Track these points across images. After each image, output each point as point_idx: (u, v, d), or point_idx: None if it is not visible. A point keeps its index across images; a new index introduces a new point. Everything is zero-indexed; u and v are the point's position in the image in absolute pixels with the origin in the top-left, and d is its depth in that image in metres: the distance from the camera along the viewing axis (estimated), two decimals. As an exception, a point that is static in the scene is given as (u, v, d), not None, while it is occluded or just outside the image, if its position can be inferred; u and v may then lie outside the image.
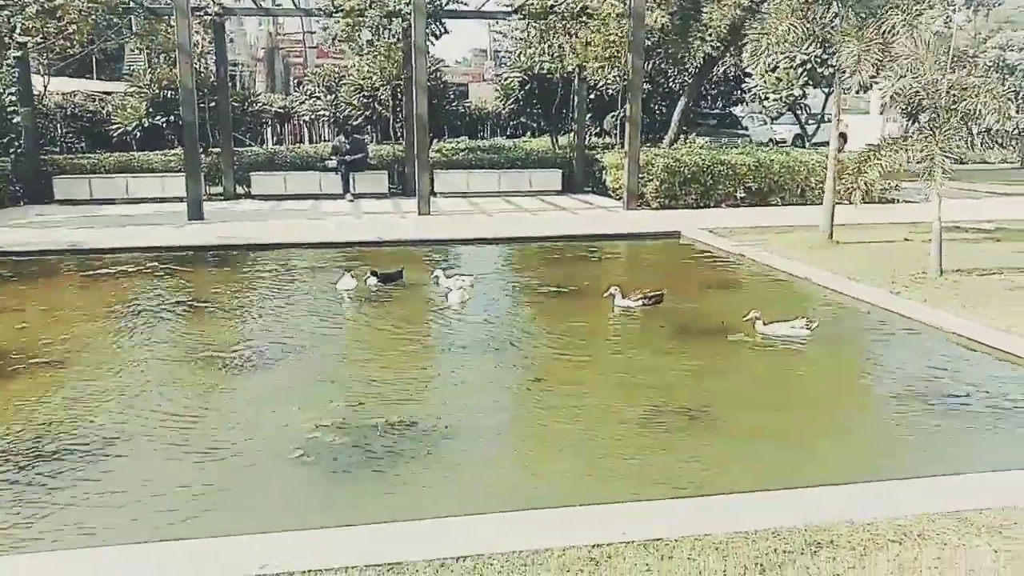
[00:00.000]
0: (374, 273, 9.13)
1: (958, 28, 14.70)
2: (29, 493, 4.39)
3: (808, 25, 10.78)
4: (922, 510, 3.82)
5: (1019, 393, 5.91)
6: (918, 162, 9.09)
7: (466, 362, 6.72)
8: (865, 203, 14.75)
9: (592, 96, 20.74)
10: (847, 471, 4.65)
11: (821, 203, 12.69)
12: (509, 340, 7.32)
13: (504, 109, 23.70)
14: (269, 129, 24.69)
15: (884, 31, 9.71)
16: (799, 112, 20.48)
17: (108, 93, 22.60)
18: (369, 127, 22.06)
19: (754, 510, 3.88)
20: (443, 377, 6.49)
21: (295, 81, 33.58)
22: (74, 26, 15.79)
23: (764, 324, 7.28)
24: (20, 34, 15.09)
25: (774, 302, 9.02)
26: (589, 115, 20.55)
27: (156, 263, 10.54)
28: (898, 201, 15.88)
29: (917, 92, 8.93)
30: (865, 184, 9.70)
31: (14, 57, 15.32)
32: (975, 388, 6.02)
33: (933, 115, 9.02)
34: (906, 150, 9.20)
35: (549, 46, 18.35)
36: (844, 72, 10.61)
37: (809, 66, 16.72)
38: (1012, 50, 33.28)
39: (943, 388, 6.05)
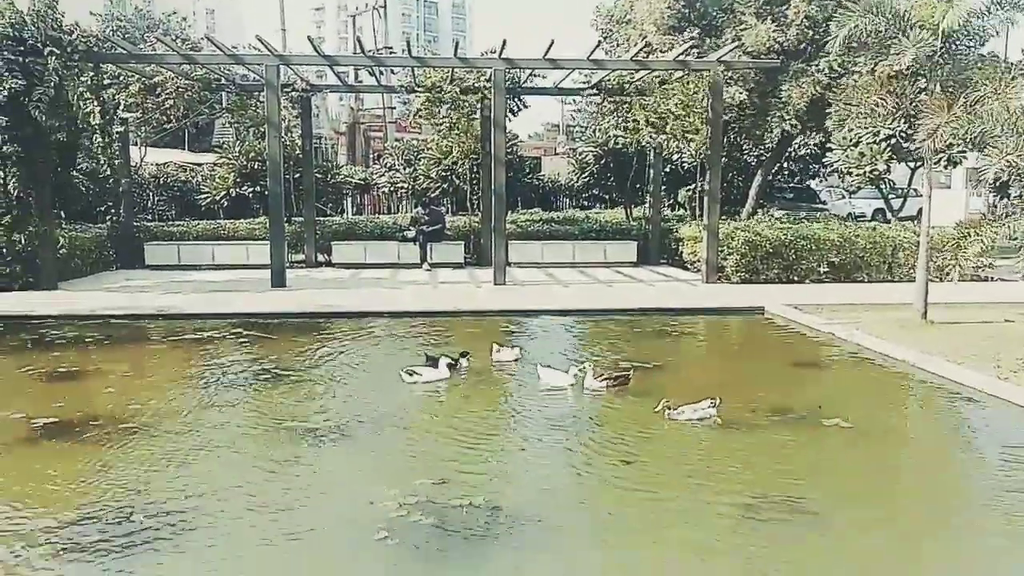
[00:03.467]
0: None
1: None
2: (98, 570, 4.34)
3: (896, 99, 10.58)
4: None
5: None
6: (1020, 242, 8.68)
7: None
8: (960, 281, 14.30)
9: (667, 169, 20.74)
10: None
11: (908, 280, 12.26)
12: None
13: (578, 182, 23.89)
14: (349, 199, 25.37)
15: (975, 102, 9.47)
16: (883, 187, 19.99)
17: (199, 164, 23.69)
18: (446, 199, 22.45)
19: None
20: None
21: (375, 154, 34.63)
22: (171, 101, 16.67)
23: (673, 410, 6.80)
24: (124, 110, 15.99)
25: (867, 386, 8.66)
26: (663, 188, 20.51)
27: (241, 329, 10.73)
28: (993, 279, 15.21)
29: (1019, 166, 8.57)
30: (964, 260, 9.28)
31: (116, 132, 16.17)
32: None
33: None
34: (1007, 226, 8.82)
35: (625, 121, 18.50)
36: (923, 142, 10.31)
37: (894, 141, 16.35)
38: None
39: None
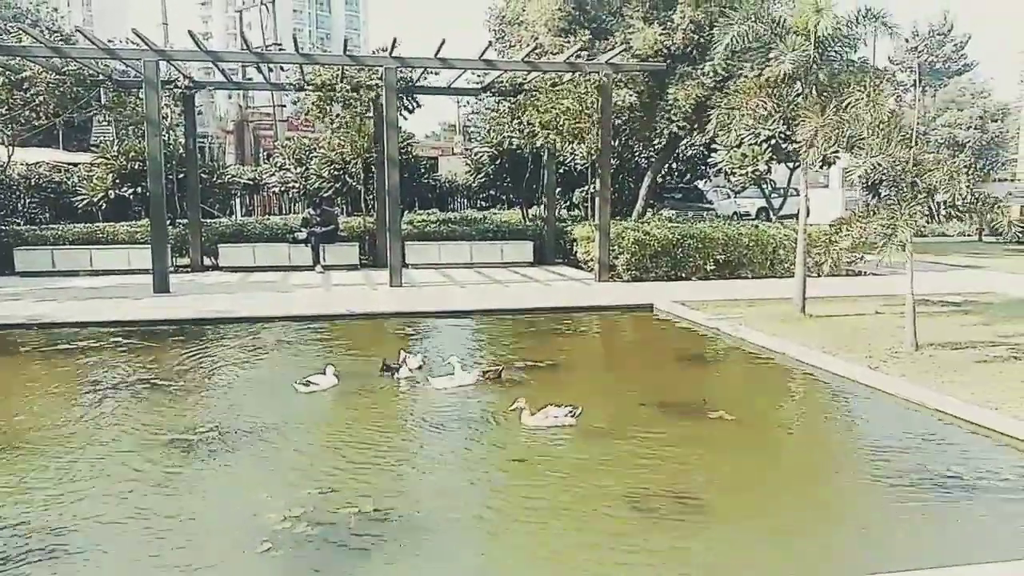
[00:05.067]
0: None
1: (908, 107, 15.20)
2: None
3: (775, 102, 11.05)
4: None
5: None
6: (883, 234, 9.16)
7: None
8: (833, 275, 15.08)
9: (561, 171, 21.03)
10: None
11: (790, 276, 12.83)
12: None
13: (475, 182, 23.90)
14: (238, 200, 24.57)
15: (846, 106, 9.98)
16: (764, 187, 20.87)
17: (75, 164, 22.42)
18: (340, 199, 22.04)
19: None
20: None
21: (265, 153, 33.66)
22: (41, 98, 15.73)
23: (531, 414, 6.69)
24: (-16, 105, 14.98)
25: (750, 378, 9.00)
26: (559, 189, 20.78)
27: (120, 338, 10.21)
28: (865, 273, 16.11)
29: (883, 168, 9.09)
30: (836, 254, 9.74)
31: (-23, 128, 15.17)
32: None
33: (899, 189, 9.17)
34: (873, 222, 9.31)
35: (519, 122, 18.65)
36: (802, 145, 10.83)
37: (773, 142, 17.09)
38: (960, 128, 34.77)
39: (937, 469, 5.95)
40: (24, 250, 16.19)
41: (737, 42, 10.89)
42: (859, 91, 10.02)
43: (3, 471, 5.74)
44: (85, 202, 19.65)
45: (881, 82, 10.96)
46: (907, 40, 41.72)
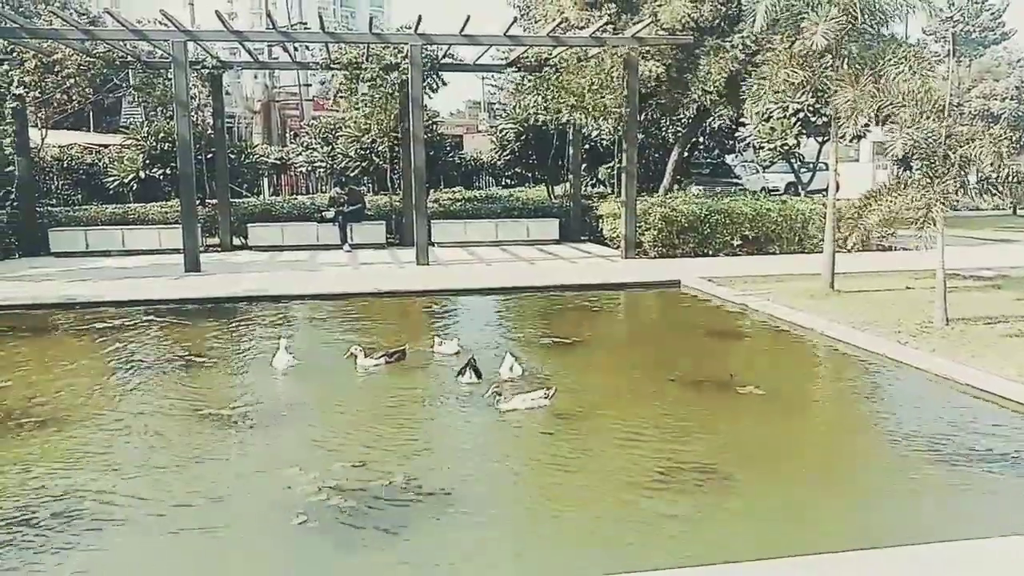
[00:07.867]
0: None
1: (942, 79, 14.92)
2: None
3: (805, 73, 10.88)
4: None
5: None
6: (917, 209, 9.03)
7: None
8: (863, 251, 14.88)
9: (587, 147, 20.92)
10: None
11: (819, 251, 12.71)
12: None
13: (500, 160, 23.84)
14: (266, 180, 24.75)
15: (889, 79, 9.75)
16: (793, 161, 20.63)
17: (105, 145, 22.70)
18: (366, 178, 22.12)
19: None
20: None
21: (291, 133, 33.82)
22: (72, 80, 15.92)
23: (506, 400, 6.61)
24: (17, 87, 15.18)
25: (778, 354, 8.97)
26: (584, 165, 20.67)
27: (153, 316, 10.40)
28: (895, 248, 15.90)
29: (916, 142, 8.95)
30: (864, 228, 9.61)
31: (11, 108, 15.37)
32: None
33: (932, 163, 9.02)
34: (906, 196, 9.18)
35: (544, 98, 18.52)
36: (839, 118, 10.67)
37: (802, 115, 16.87)
38: (995, 99, 33.91)
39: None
40: (58, 231, 16.47)
41: (769, 12, 10.66)
42: (902, 63, 9.82)
43: (38, 447, 5.89)
44: (116, 183, 19.90)
45: (921, 53, 10.73)
46: (942, 9, 40.72)
